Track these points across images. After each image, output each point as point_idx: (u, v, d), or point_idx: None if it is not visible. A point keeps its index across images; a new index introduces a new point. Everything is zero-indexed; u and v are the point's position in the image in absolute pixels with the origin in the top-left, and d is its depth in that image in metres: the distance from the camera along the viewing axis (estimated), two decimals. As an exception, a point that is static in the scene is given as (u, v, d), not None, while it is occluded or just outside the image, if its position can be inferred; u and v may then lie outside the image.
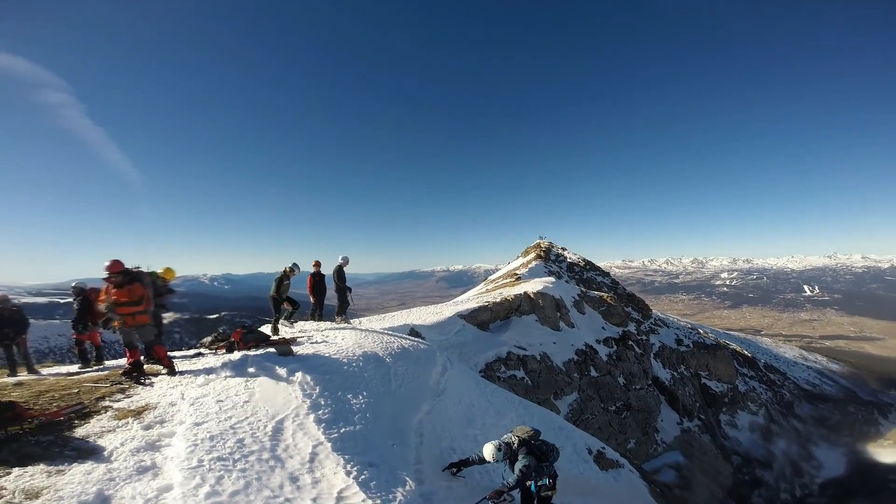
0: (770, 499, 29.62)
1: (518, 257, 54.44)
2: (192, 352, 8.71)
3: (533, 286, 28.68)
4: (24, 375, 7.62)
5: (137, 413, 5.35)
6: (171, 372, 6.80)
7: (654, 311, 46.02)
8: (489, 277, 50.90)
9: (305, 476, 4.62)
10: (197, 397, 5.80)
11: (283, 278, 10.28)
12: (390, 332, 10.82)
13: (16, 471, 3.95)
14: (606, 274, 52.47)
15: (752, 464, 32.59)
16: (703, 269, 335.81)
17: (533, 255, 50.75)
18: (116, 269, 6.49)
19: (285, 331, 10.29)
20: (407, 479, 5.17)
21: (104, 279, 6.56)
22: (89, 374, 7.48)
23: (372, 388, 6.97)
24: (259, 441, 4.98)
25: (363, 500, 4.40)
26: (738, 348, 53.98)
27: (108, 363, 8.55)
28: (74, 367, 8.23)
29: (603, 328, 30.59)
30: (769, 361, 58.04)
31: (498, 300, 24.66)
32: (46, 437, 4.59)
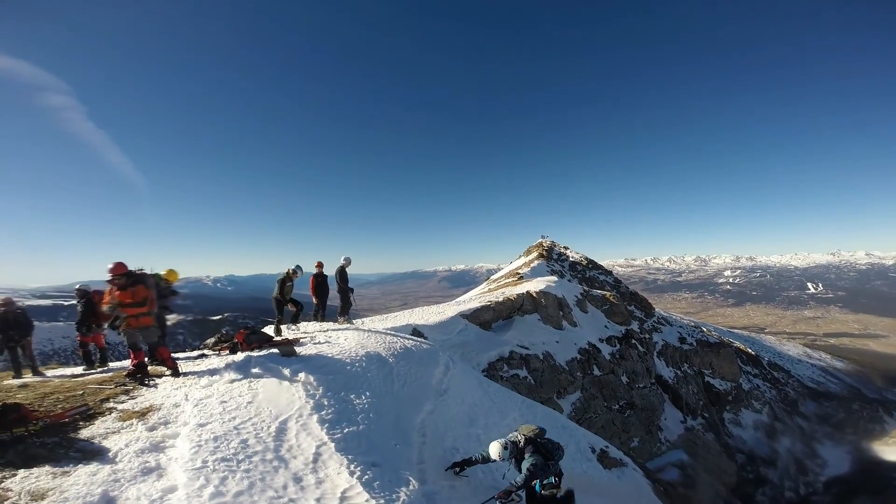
0: (774, 497, 29.51)
1: (520, 256, 54.42)
2: (195, 353, 8.74)
3: (535, 285, 28.64)
4: (28, 377, 7.65)
5: (142, 414, 5.38)
6: (175, 373, 6.83)
7: (656, 309, 45.93)
8: (491, 277, 50.89)
9: (309, 476, 4.63)
10: (201, 398, 5.81)
11: (286, 280, 10.31)
12: (393, 333, 10.83)
13: (21, 472, 3.97)
14: (609, 272, 52.38)
15: (757, 462, 32.48)
16: (706, 268, 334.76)
17: (535, 254, 50.70)
18: (119, 271, 6.53)
19: (288, 332, 10.32)
20: (410, 478, 5.18)
21: (108, 281, 6.59)
22: (94, 375, 7.52)
23: (375, 388, 6.97)
24: (263, 441, 5.00)
25: (367, 500, 4.41)
26: (742, 346, 53.81)
27: (112, 365, 8.59)
28: (79, 369, 8.26)
29: (606, 327, 30.53)
30: (773, 359, 57.82)
31: (500, 299, 24.64)
32: (51, 438, 4.61)
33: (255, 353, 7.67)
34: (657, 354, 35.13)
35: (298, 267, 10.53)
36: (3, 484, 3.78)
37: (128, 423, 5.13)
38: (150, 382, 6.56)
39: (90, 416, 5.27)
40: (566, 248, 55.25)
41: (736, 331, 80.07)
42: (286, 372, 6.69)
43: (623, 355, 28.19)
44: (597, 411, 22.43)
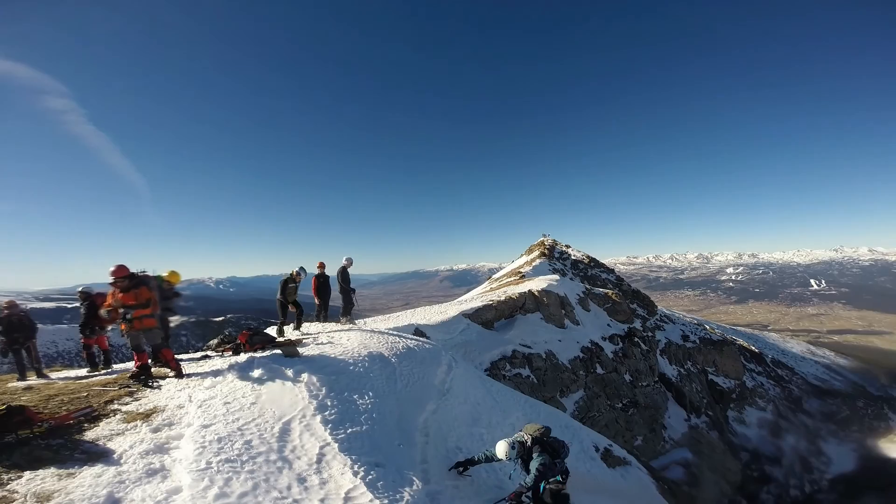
0: (779, 495, 29.40)
1: (522, 255, 54.32)
2: (198, 354, 8.75)
3: (537, 284, 28.61)
4: (33, 380, 7.68)
5: (146, 416, 5.39)
6: (179, 375, 6.85)
7: (659, 307, 45.78)
8: (493, 276, 50.83)
9: (313, 477, 4.63)
10: (204, 399, 5.83)
11: (289, 281, 10.31)
12: (395, 333, 10.83)
13: (27, 474, 3.99)
14: (611, 271, 52.25)
15: (761, 460, 32.35)
16: (709, 265, 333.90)
17: (537, 252, 50.61)
18: (121, 273, 6.56)
19: (291, 333, 10.33)
20: (414, 478, 5.18)
21: (110, 284, 6.62)
22: (98, 377, 7.55)
23: (377, 389, 6.98)
24: (266, 442, 5.00)
25: (371, 501, 4.41)
26: (745, 344, 53.61)
27: (115, 367, 8.62)
28: (83, 371, 8.31)
29: (608, 325, 30.48)
30: (777, 357, 57.58)
31: (502, 299, 24.63)
32: (56, 440, 4.63)
33: (257, 354, 7.69)
34: (660, 352, 35.05)
35: (302, 269, 10.52)
36: (9, 486, 3.80)
37: (132, 424, 5.14)
38: (154, 384, 6.58)
39: (95, 417, 5.29)
40: (568, 246, 55.15)
41: (739, 328, 79.76)
42: (289, 373, 6.70)
43: (626, 353, 28.14)
44: (600, 410, 22.40)
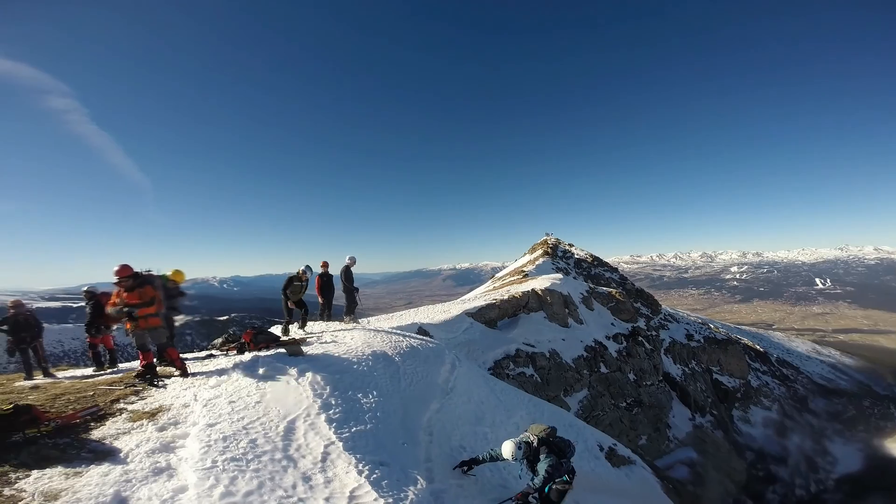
0: (785, 495, 29.28)
1: (525, 254, 54.24)
2: (203, 353, 8.78)
3: (540, 283, 28.56)
4: (39, 379, 7.73)
5: (152, 415, 5.41)
6: (184, 374, 6.87)
7: (663, 306, 45.63)
8: (496, 275, 50.79)
9: (318, 476, 4.63)
10: (209, 398, 5.84)
11: (294, 279, 10.31)
12: (398, 332, 10.83)
13: (34, 473, 4.01)
14: (614, 269, 52.11)
15: (767, 459, 32.22)
16: (713, 264, 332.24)
17: (540, 251, 50.52)
18: (125, 273, 6.59)
19: (295, 332, 10.35)
20: (418, 477, 5.17)
21: (115, 283, 6.65)
22: (104, 376, 7.59)
23: (381, 387, 6.97)
24: (271, 441, 5.01)
25: (375, 499, 4.40)
26: (750, 343, 53.38)
27: (121, 366, 8.65)
28: (89, 371, 8.35)
29: (612, 324, 30.39)
30: (782, 356, 57.27)
31: (505, 297, 24.60)
32: (63, 439, 4.65)
33: (262, 353, 7.71)
34: (664, 351, 34.91)
35: (308, 267, 10.48)
36: (16, 485, 3.82)
37: (138, 423, 5.17)
38: (160, 383, 6.60)
39: (101, 416, 5.32)
40: (571, 245, 55.03)
41: (743, 327, 79.40)
42: (293, 371, 6.71)
43: (630, 353, 28.05)
44: (604, 409, 22.35)
